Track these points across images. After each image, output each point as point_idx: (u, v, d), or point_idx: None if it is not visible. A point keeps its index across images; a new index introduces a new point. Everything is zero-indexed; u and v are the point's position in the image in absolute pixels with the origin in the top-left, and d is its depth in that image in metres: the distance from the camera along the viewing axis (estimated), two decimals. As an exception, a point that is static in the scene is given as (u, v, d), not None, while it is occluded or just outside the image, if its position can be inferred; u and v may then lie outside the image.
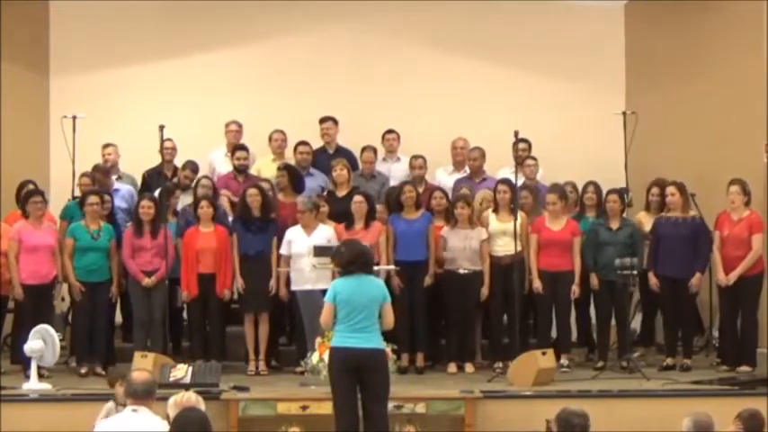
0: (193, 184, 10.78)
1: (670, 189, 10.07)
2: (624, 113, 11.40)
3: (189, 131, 11.65)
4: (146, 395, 6.00)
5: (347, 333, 7.59)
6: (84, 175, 10.65)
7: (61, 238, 9.99)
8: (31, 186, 10.25)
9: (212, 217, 10.09)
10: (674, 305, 10.02)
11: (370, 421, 7.59)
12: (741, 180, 9.92)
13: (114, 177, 11.01)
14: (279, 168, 10.80)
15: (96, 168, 10.75)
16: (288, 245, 9.92)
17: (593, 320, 10.47)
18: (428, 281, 10.07)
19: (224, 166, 11.34)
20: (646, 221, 10.36)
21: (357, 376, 7.57)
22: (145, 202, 10.03)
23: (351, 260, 7.72)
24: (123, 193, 10.89)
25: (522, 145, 10.75)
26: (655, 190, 10.43)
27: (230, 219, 10.46)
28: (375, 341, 7.61)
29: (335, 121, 11.56)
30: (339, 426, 7.60)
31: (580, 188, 10.57)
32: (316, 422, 8.29)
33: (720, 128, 11.27)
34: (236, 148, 11.13)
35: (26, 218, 9.86)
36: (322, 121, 11.56)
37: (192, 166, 11.09)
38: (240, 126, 11.57)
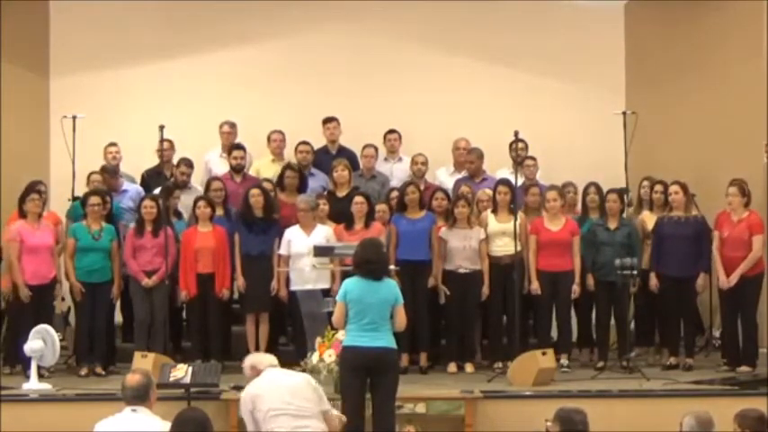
0: (203, 187, 10.76)
1: (673, 188, 10.05)
2: (624, 113, 11.39)
3: (188, 131, 11.66)
4: (141, 397, 6.01)
5: (358, 332, 7.60)
6: (94, 173, 10.66)
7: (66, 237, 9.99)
8: (42, 187, 10.15)
9: (211, 217, 10.09)
10: (676, 305, 10.01)
11: (376, 419, 7.60)
12: (741, 180, 9.90)
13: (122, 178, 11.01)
14: (292, 168, 10.76)
15: (104, 169, 10.75)
16: (287, 245, 9.91)
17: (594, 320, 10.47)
18: (432, 282, 10.07)
19: (219, 166, 11.33)
20: (650, 221, 10.33)
21: (367, 375, 7.57)
22: (147, 202, 10.02)
23: (357, 264, 7.77)
24: (132, 193, 10.87)
25: (518, 145, 10.72)
26: (658, 187, 10.42)
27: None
28: (386, 340, 7.60)
29: (339, 122, 11.58)
30: (345, 425, 7.59)
31: (580, 189, 10.57)
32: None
33: (720, 128, 11.26)
34: (232, 147, 11.12)
35: (24, 217, 9.77)
36: (327, 121, 11.56)
37: (187, 162, 11.06)
38: (233, 126, 11.55)
